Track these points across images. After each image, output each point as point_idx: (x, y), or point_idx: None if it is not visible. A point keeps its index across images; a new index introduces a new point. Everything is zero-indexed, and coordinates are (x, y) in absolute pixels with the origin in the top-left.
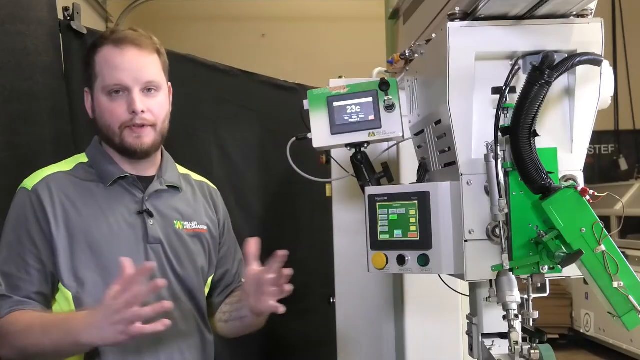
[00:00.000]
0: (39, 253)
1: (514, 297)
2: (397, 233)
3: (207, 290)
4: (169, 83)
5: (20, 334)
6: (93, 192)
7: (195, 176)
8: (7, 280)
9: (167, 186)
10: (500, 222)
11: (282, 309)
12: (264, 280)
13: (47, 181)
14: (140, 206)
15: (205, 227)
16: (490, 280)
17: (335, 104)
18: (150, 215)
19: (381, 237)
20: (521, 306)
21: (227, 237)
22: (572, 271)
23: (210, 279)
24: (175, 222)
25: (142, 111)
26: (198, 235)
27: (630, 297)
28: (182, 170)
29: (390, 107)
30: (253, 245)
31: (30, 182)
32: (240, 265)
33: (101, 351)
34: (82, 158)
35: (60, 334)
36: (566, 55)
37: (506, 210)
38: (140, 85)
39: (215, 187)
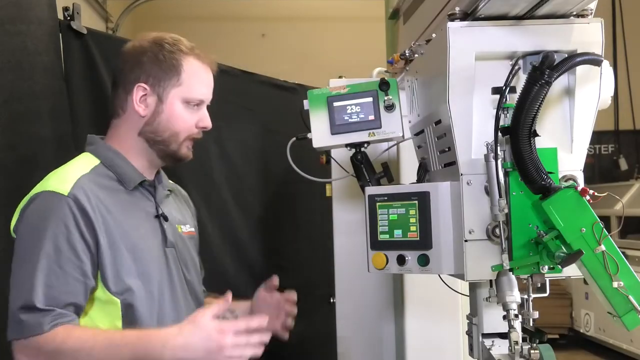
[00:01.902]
0: (81, 263)
1: (514, 297)
2: (397, 233)
3: None
4: None
5: (77, 352)
6: (119, 197)
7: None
8: (46, 291)
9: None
10: (500, 222)
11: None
12: (282, 303)
13: (80, 186)
14: (155, 210)
15: (194, 230)
16: (490, 280)
17: (335, 104)
18: (165, 219)
19: (381, 237)
20: (521, 306)
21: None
22: (572, 271)
23: None
24: (177, 225)
25: None
26: (192, 238)
27: (630, 297)
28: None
29: (390, 107)
30: (276, 279)
31: (61, 186)
32: None
33: None
34: (92, 160)
35: (136, 351)
36: (566, 55)
37: (506, 210)
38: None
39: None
